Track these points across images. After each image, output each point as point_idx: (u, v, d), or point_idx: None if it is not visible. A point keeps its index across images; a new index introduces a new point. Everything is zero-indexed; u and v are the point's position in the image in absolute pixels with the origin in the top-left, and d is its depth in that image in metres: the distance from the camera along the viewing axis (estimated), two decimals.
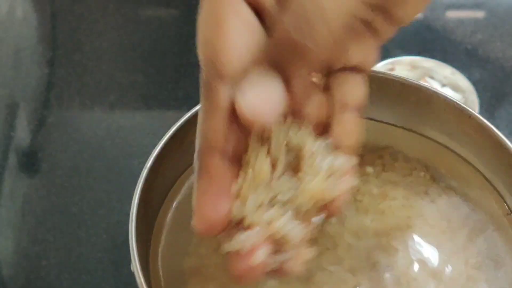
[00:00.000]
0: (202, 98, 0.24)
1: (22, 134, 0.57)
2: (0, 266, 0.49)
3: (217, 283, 0.33)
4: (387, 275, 0.33)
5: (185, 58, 0.61)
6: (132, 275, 0.29)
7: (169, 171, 0.35)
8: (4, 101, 0.59)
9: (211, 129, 0.24)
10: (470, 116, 0.36)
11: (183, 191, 0.37)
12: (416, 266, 0.33)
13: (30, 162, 0.55)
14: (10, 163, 0.54)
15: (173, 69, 0.61)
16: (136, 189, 0.32)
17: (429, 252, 0.34)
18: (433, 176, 0.37)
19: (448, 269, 0.33)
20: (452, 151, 0.38)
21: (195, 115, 0.35)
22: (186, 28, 0.65)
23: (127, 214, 0.32)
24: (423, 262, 0.33)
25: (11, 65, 0.62)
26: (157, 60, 0.62)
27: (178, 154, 0.34)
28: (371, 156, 0.38)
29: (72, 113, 0.58)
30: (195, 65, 0.61)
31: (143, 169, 0.33)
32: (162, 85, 0.60)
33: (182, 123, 0.34)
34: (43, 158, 0.55)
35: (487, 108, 0.58)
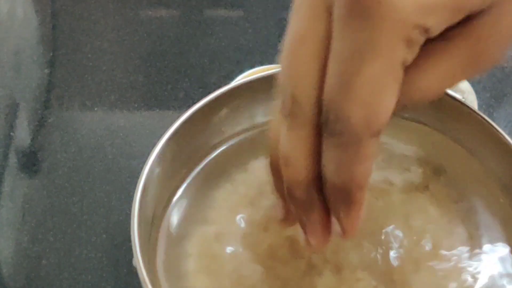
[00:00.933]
0: (346, 147, 0.24)
1: (22, 134, 0.57)
2: (0, 266, 0.49)
3: (219, 282, 0.33)
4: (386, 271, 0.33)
5: (185, 58, 0.61)
6: (132, 274, 0.29)
7: (170, 168, 0.35)
8: (4, 101, 0.59)
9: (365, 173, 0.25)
10: (470, 113, 0.36)
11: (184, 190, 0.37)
12: (415, 261, 0.33)
13: (30, 162, 0.55)
14: (10, 163, 0.54)
15: (173, 69, 0.61)
16: (137, 186, 0.32)
17: (430, 247, 0.34)
18: (433, 171, 0.38)
19: (451, 263, 0.33)
20: (453, 146, 0.38)
21: (194, 114, 0.35)
22: (186, 28, 0.65)
23: (127, 214, 0.32)
24: (423, 257, 0.33)
25: (12, 66, 0.63)
26: (157, 60, 0.62)
27: (178, 152, 0.34)
28: None
29: (72, 113, 0.58)
30: (195, 65, 0.60)
31: (145, 165, 0.33)
32: (162, 85, 0.60)
33: (182, 121, 0.34)
34: (43, 158, 0.55)
35: (486, 108, 0.58)
